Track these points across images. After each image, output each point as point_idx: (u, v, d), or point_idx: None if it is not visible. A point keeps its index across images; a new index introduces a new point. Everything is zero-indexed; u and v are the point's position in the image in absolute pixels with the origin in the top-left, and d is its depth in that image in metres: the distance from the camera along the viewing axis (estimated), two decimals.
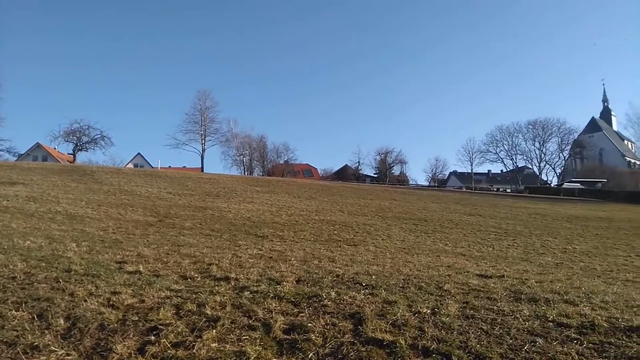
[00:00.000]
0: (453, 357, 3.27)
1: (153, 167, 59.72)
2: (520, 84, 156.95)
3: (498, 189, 66.78)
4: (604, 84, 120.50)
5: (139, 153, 78.73)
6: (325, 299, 4.55)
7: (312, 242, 10.97)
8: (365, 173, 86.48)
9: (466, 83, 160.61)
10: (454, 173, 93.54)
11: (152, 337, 3.47)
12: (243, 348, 3.34)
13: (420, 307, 4.36)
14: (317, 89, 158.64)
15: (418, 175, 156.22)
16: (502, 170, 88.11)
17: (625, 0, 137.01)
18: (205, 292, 4.75)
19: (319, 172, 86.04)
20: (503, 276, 6.81)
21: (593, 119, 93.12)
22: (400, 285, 5.45)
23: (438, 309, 4.37)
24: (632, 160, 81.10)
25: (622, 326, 4.09)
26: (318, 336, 3.59)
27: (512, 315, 4.27)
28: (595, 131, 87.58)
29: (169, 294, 4.62)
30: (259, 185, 30.12)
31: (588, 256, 11.63)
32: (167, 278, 5.40)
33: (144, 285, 4.90)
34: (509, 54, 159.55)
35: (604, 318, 4.29)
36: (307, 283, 5.32)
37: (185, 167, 69.11)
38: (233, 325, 3.79)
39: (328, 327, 3.80)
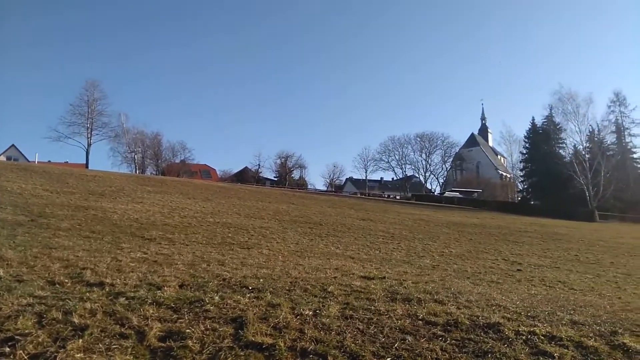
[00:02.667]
0: (329, 357, 3.38)
1: (29, 161, 53.61)
2: (414, 99, 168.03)
3: (389, 196, 70.63)
4: (482, 104, 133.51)
5: (12, 145, 70.26)
6: (207, 303, 4.43)
7: (204, 245, 10.66)
8: (265, 176, 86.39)
9: (366, 105, 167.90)
10: (350, 179, 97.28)
11: (7, 349, 3.13)
12: (112, 358, 3.14)
13: (303, 309, 4.44)
14: (217, 86, 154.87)
15: (317, 180, 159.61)
16: (393, 178, 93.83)
17: (501, 22, 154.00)
18: (75, 298, 4.37)
19: (218, 173, 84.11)
20: (384, 277, 7.20)
21: (472, 135, 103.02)
22: (287, 288, 5.51)
23: (320, 310, 4.49)
24: (504, 174, 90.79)
25: (481, 323, 4.54)
26: (196, 342, 3.48)
27: (387, 314, 4.54)
28: (473, 146, 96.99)
29: (31, 300, 4.17)
30: (150, 184, 28.53)
31: (462, 259, 12.76)
32: (31, 283, 4.87)
33: (2, 292, 4.38)
34: (407, 69, 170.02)
35: (466, 316, 4.73)
36: (190, 288, 5.14)
37: (67, 162, 63.11)
38: (103, 334, 3.53)
39: (208, 332, 3.70)
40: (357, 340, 3.77)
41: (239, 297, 4.79)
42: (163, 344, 3.45)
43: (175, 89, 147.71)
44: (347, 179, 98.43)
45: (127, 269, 6.20)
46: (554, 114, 68.09)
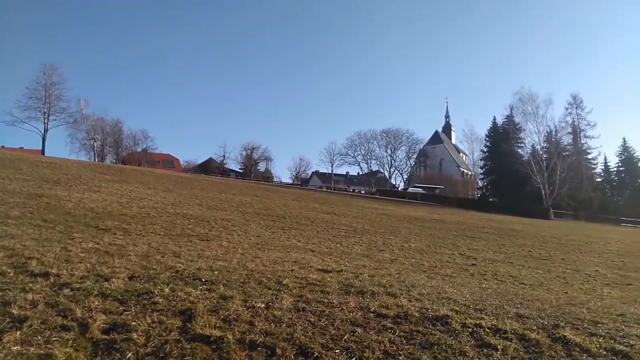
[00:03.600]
0: (277, 350, 3.38)
1: None
2: (381, 95, 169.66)
3: (354, 190, 71.34)
4: (447, 102, 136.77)
5: None
6: (157, 295, 4.34)
7: (162, 236, 10.42)
8: (230, 167, 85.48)
9: (334, 99, 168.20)
10: (316, 173, 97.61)
11: None
12: (51, 350, 3.04)
13: (255, 302, 4.42)
14: (183, 77, 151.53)
15: (283, 173, 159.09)
16: (358, 173, 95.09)
17: (466, 22, 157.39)
18: (16, 289, 4.19)
19: (181, 163, 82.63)
20: (342, 271, 7.24)
21: (436, 132, 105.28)
22: (242, 280, 5.46)
23: (272, 303, 4.48)
24: (465, 171, 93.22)
25: (430, 316, 4.64)
26: (141, 335, 3.41)
27: (339, 307, 4.57)
28: (437, 143, 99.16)
29: None
30: (109, 173, 27.68)
31: (420, 253, 13.01)
32: None
33: None
34: (377, 66, 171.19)
35: (416, 309, 4.82)
36: (140, 279, 5.01)
37: (22, 148, 60.41)
38: (43, 326, 3.41)
39: (154, 325, 3.64)
40: (308, 332, 3.78)
41: (190, 289, 4.71)
42: (107, 337, 3.37)
43: (139, 79, 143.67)
44: (313, 172, 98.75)
45: (76, 260, 5.98)
46: (514, 114, 70.29)
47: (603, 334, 4.71)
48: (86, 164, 36.98)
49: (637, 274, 12.40)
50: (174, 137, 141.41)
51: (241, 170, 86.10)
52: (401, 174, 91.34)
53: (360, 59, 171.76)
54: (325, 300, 4.79)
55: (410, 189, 67.68)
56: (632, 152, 75.40)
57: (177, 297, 4.37)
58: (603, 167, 76.80)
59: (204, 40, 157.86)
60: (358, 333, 3.89)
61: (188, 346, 3.32)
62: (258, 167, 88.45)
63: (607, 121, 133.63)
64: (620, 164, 75.95)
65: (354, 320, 4.20)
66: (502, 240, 19.47)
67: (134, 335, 3.38)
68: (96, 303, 3.99)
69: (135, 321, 3.65)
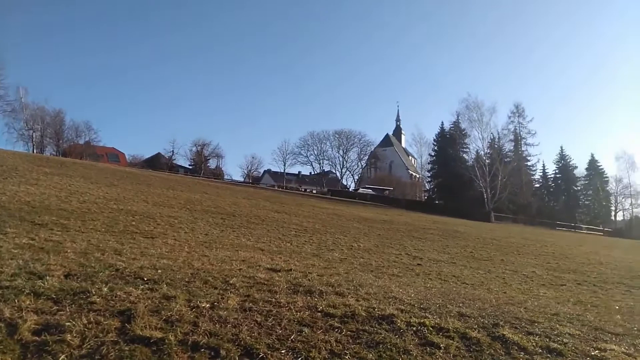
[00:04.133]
0: (221, 351, 3.29)
1: None
2: (334, 97, 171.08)
3: (305, 190, 71.35)
4: (398, 106, 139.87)
5: None
6: (94, 295, 4.13)
7: (103, 233, 9.94)
8: (179, 164, 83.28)
9: (286, 91, 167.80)
10: (269, 171, 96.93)
11: None
12: None
13: (200, 302, 4.30)
14: (131, 68, 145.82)
15: (234, 170, 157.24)
16: (310, 173, 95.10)
17: (422, 31, 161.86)
18: None
19: (127, 157, 79.51)
20: (291, 270, 7.20)
21: (387, 135, 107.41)
22: (187, 279, 5.29)
23: (218, 302, 4.37)
24: (414, 174, 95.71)
25: (377, 315, 4.70)
26: (75, 336, 3.23)
27: (287, 306, 4.53)
28: (388, 146, 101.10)
29: None
30: (49, 165, 26.14)
31: (369, 253, 13.18)
32: None
33: None
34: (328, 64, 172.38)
35: (364, 308, 4.87)
36: (77, 278, 4.74)
37: None
38: None
39: (90, 326, 3.44)
40: (254, 332, 3.72)
41: (131, 288, 4.51)
42: (37, 338, 3.17)
43: (83, 68, 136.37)
44: (265, 171, 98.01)
45: (7, 256, 5.59)
46: (460, 121, 73.15)
47: (539, 332, 4.95)
48: (24, 155, 34.79)
49: (570, 275, 13.15)
50: (120, 131, 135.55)
51: (191, 167, 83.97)
52: (352, 175, 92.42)
53: (314, 61, 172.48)
54: (273, 299, 4.74)
55: (361, 190, 68.53)
56: (568, 161, 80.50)
57: (116, 297, 4.17)
58: (541, 174, 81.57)
59: (153, 29, 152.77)
60: (305, 333, 3.87)
61: (126, 348, 3.17)
62: (208, 164, 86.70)
63: (547, 130, 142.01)
64: (557, 171, 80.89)
65: (301, 320, 4.17)
66: (447, 241, 20.09)
67: (68, 337, 3.19)
68: (27, 302, 3.74)
69: (69, 322, 3.44)
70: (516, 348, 4.32)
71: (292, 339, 3.67)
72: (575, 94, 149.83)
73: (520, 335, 4.69)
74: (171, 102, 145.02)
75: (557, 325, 5.44)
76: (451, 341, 4.27)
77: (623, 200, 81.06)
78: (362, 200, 55.16)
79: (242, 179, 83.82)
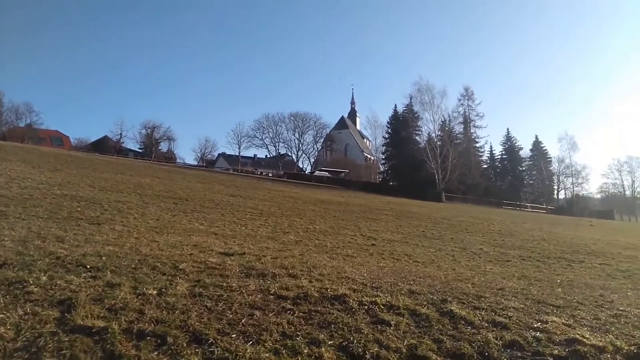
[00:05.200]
0: (168, 338, 3.20)
1: None
2: (290, 78, 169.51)
3: (261, 173, 70.74)
4: (352, 89, 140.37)
5: None
6: (31, 284, 3.90)
7: (45, 220, 9.42)
8: (128, 147, 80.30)
9: (242, 81, 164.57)
10: (223, 155, 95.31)
11: None
12: None
13: (147, 289, 4.16)
14: (76, 48, 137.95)
15: (187, 154, 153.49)
16: (266, 156, 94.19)
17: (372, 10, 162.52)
18: None
19: (72, 141, 75.76)
20: (244, 253, 7.11)
21: (342, 118, 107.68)
22: (133, 266, 5.10)
23: (166, 289, 4.24)
24: (368, 156, 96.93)
25: (329, 295, 4.72)
26: (10, 329, 3.04)
27: (239, 290, 4.47)
28: (343, 128, 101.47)
29: None
30: None
31: (324, 235, 13.25)
32: None
33: None
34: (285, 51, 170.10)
35: (316, 289, 4.88)
36: (13, 267, 4.46)
37: None
38: None
39: (27, 317, 3.26)
40: (203, 318, 3.63)
41: (72, 277, 4.30)
42: None
43: (23, 46, 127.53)
44: (219, 154, 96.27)
45: None
46: (413, 103, 74.53)
47: (485, 307, 5.15)
48: None
49: (516, 251, 13.79)
50: (64, 113, 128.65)
51: (141, 150, 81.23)
52: (308, 158, 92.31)
53: (271, 44, 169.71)
54: (224, 284, 4.66)
55: (317, 173, 68.67)
56: (514, 142, 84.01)
57: (55, 286, 3.96)
58: (489, 155, 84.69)
59: (96, 6, 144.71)
60: (257, 316, 3.83)
61: (66, 339, 3.02)
62: (160, 148, 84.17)
63: (494, 113, 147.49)
64: (503, 153, 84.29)
65: (253, 304, 4.12)
66: (400, 222, 20.52)
67: (2, 329, 3.00)
68: None
69: (3, 313, 3.24)
70: (463, 322, 4.47)
71: (243, 323, 3.62)
72: (521, 80, 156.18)
73: (467, 310, 4.86)
74: (118, 83, 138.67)
75: (503, 300, 5.69)
76: (401, 318, 4.36)
77: (565, 179, 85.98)
78: (319, 182, 55.32)
79: (195, 163, 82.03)
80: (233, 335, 3.40)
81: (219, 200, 19.53)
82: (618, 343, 4.23)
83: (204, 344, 3.23)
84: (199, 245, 7.71)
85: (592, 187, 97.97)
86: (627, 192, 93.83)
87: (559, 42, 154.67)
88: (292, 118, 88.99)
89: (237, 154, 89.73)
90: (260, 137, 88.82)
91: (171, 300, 3.92)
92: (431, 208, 34.13)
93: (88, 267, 4.80)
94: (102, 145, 73.54)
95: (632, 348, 4.11)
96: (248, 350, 3.18)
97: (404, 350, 3.65)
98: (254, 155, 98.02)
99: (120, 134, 79.72)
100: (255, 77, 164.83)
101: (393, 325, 4.14)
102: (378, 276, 6.45)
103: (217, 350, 3.14)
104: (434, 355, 3.62)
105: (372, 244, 12.22)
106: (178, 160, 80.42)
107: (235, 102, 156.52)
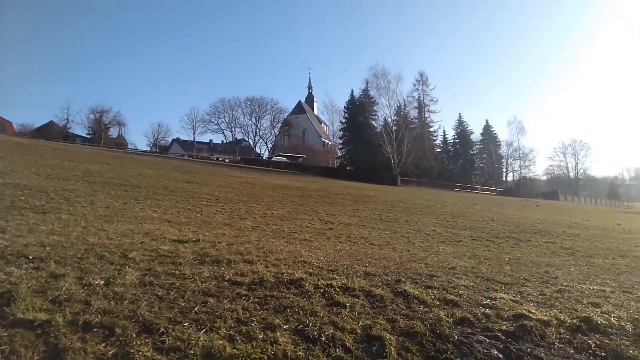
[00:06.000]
0: (117, 329, 3.08)
1: None
2: (246, 62, 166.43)
3: (217, 159, 69.57)
4: (309, 73, 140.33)
5: None
6: None
7: None
8: (76, 133, 76.69)
9: (196, 53, 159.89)
10: (177, 140, 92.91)
11: None
12: None
13: (94, 279, 3.98)
14: (18, 27, 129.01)
15: (139, 139, 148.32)
16: (222, 141, 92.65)
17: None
18: None
19: (15, 127, 71.50)
20: (199, 240, 6.95)
21: (300, 103, 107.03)
22: (79, 256, 4.87)
23: (114, 278, 4.08)
24: (326, 141, 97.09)
25: (285, 280, 4.70)
26: None
27: (192, 278, 4.37)
28: (300, 113, 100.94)
29: None
30: None
31: (282, 220, 13.21)
32: None
33: None
34: (239, 33, 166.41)
35: (272, 274, 4.85)
36: None
37: None
38: None
39: None
40: (154, 307, 3.53)
41: (12, 268, 4.06)
42: None
43: None
44: (173, 140, 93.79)
45: None
46: (369, 88, 75.14)
47: (437, 286, 5.30)
48: None
49: (467, 232, 14.30)
50: (5, 97, 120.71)
51: (89, 136, 77.78)
52: (266, 143, 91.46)
53: (225, 27, 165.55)
54: (177, 272, 4.54)
55: (275, 158, 68.18)
56: (465, 127, 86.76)
57: None
58: (442, 139, 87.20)
59: None
60: (210, 303, 3.76)
61: (5, 334, 2.85)
62: (109, 133, 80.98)
63: (447, 98, 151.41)
64: (456, 137, 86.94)
65: (206, 291, 4.05)
66: (357, 206, 20.78)
67: None
68: None
69: None
70: (416, 301, 4.59)
71: (196, 311, 3.55)
72: (473, 66, 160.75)
73: (420, 290, 4.99)
74: (63, 67, 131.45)
75: (454, 278, 5.88)
76: (357, 300, 4.42)
77: (513, 162, 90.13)
78: (277, 168, 55.05)
79: (148, 149, 79.48)
80: (185, 324, 3.32)
81: (173, 187, 19.04)
82: (562, 317, 4.47)
83: (155, 333, 3.15)
84: (150, 233, 7.48)
85: (539, 170, 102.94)
86: (571, 174, 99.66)
87: (503, 27, 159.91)
88: (249, 102, 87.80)
89: (192, 140, 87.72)
90: (215, 122, 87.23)
91: (120, 290, 3.78)
92: (387, 192, 34.76)
93: (30, 257, 4.54)
94: (48, 131, 70.02)
95: (574, 321, 4.35)
96: (201, 338, 3.12)
97: (359, 331, 3.70)
98: (210, 140, 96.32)
99: (67, 119, 76.14)
100: (210, 60, 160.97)
101: (348, 307, 4.18)
102: (334, 259, 6.49)
103: (169, 340, 3.07)
104: (388, 334, 3.69)
105: (330, 228, 12.31)
106: (129, 146, 77.74)
107: (189, 86, 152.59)
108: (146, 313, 3.37)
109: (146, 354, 2.89)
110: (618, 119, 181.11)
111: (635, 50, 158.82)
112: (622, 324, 4.35)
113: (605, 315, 4.57)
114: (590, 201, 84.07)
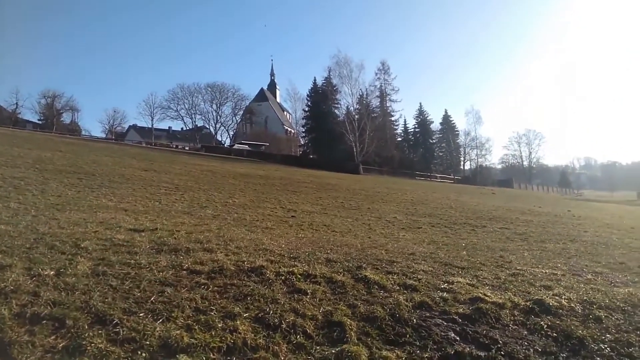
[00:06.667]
0: (68, 320, 2.97)
1: None
2: (207, 48, 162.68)
3: (177, 146, 67.89)
4: (272, 60, 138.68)
5: None
6: None
7: None
8: (26, 118, 72.88)
9: (153, 37, 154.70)
10: (134, 127, 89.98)
11: None
12: None
13: (43, 269, 3.81)
14: None
15: (94, 126, 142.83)
16: (182, 128, 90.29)
17: None
18: None
19: None
20: (156, 229, 6.77)
21: (262, 90, 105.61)
22: (28, 246, 4.64)
23: (65, 269, 3.91)
24: (289, 129, 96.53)
25: (246, 268, 4.65)
26: None
27: (148, 267, 4.26)
28: (263, 100, 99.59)
29: None
30: None
31: (243, 208, 13.05)
32: None
33: None
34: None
35: (232, 262, 4.78)
36: None
37: None
38: None
39: None
40: (107, 298, 3.41)
41: None
42: None
43: None
44: (130, 126, 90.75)
45: None
46: (332, 77, 74.93)
47: (397, 271, 5.39)
48: None
49: (426, 218, 14.60)
50: None
51: (41, 122, 74.14)
52: (227, 131, 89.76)
53: (185, 10, 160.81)
54: (132, 261, 4.40)
55: (237, 146, 67.16)
56: (426, 116, 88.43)
57: None
58: (403, 128, 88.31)
59: None
60: (167, 293, 3.67)
61: None
62: (62, 119, 77.43)
63: (408, 88, 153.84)
64: (416, 126, 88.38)
65: (163, 280, 3.94)
66: (320, 194, 20.83)
67: None
68: None
69: None
70: (377, 287, 4.65)
71: (152, 301, 3.45)
72: (433, 57, 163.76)
73: (380, 275, 5.05)
74: (12, 48, 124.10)
75: (413, 264, 5.99)
76: (318, 286, 4.43)
77: (470, 151, 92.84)
78: (239, 156, 54.35)
79: (104, 136, 76.61)
80: (141, 314, 3.23)
81: (130, 175, 18.45)
82: (515, 299, 4.64)
83: (109, 324, 3.04)
84: (105, 222, 7.20)
85: (495, 158, 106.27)
86: (525, 163, 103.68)
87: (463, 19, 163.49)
88: (209, 89, 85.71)
89: (150, 126, 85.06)
90: (175, 109, 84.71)
91: (71, 280, 3.62)
92: (350, 180, 35.02)
93: None
94: None
95: (527, 303, 4.54)
96: (157, 329, 3.04)
97: (320, 318, 3.72)
98: (169, 127, 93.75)
99: (17, 103, 72.07)
100: (169, 46, 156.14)
101: (310, 293, 4.18)
102: (296, 247, 6.48)
103: (123, 330, 2.97)
104: (349, 320, 3.72)
105: (292, 216, 12.27)
106: (83, 133, 74.54)
107: (146, 71, 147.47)
108: (99, 304, 3.25)
109: (99, 345, 2.79)
110: (570, 111, 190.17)
111: (585, 48, 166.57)
112: (572, 305, 4.57)
113: (557, 298, 4.78)
114: (543, 189, 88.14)
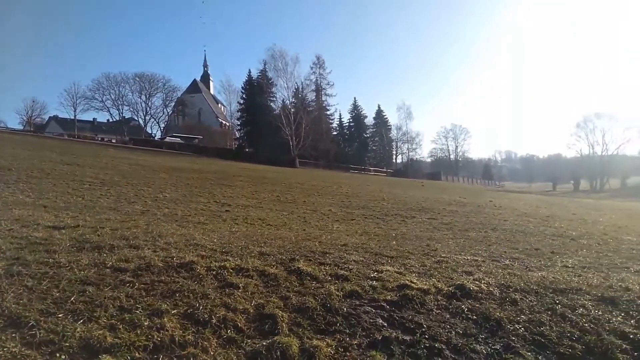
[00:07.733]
0: None
1: None
2: (137, 36, 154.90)
3: (102, 139, 64.23)
4: (205, 50, 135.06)
5: None
6: None
7: None
8: None
9: (78, 24, 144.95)
10: (55, 118, 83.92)
11: None
12: None
13: None
14: None
15: (9, 117, 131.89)
16: (108, 120, 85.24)
17: None
18: None
19: None
20: (78, 226, 6.41)
21: (195, 81, 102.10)
22: None
23: None
24: (223, 122, 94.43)
25: (175, 264, 4.53)
26: None
27: (68, 266, 4.03)
28: (196, 92, 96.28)
29: None
30: None
31: (175, 203, 12.66)
32: None
33: None
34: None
35: (161, 258, 4.64)
36: None
37: None
38: None
39: None
40: (22, 299, 3.20)
41: None
42: None
43: None
44: (50, 117, 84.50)
45: None
46: (267, 69, 74.39)
47: (330, 262, 5.51)
48: None
49: (360, 210, 14.96)
50: None
51: None
52: (158, 123, 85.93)
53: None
54: (51, 260, 4.14)
55: (168, 139, 64.68)
56: (360, 111, 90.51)
57: None
58: (338, 122, 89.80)
59: None
60: (89, 292, 3.49)
61: None
62: None
63: (344, 83, 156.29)
64: (351, 120, 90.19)
65: (85, 279, 3.75)
66: (255, 187, 20.64)
67: None
68: None
69: None
70: (309, 278, 4.72)
71: (72, 301, 3.27)
72: (368, 52, 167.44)
73: (313, 267, 5.14)
74: None
75: (345, 254, 6.14)
76: (250, 280, 4.42)
77: (402, 145, 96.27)
78: (170, 149, 52.41)
79: (21, 128, 70.86)
80: (60, 315, 3.06)
81: (50, 170, 17.26)
82: (439, 285, 4.90)
83: (24, 327, 2.86)
84: (21, 220, 6.70)
85: (424, 152, 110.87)
86: (452, 156, 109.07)
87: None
88: (138, 79, 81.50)
89: (73, 118, 79.65)
90: (100, 99, 79.63)
91: None
92: (286, 173, 35.04)
93: None
94: None
95: (450, 288, 4.81)
96: (78, 329, 2.89)
97: (252, 311, 3.72)
98: (94, 119, 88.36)
99: None
100: (93, 31, 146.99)
101: (241, 287, 4.17)
102: (229, 241, 6.41)
103: (40, 333, 2.80)
104: (281, 311, 3.75)
105: (226, 210, 12.10)
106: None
107: (68, 59, 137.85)
108: (13, 305, 3.04)
109: (13, 349, 2.62)
110: (492, 107, 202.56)
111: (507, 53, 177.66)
112: (491, 289, 4.90)
113: (477, 282, 5.11)
114: (468, 181, 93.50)
